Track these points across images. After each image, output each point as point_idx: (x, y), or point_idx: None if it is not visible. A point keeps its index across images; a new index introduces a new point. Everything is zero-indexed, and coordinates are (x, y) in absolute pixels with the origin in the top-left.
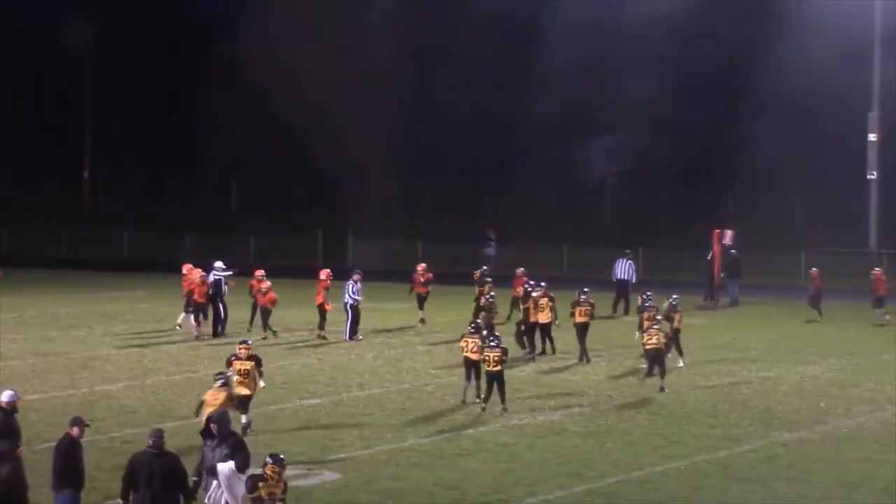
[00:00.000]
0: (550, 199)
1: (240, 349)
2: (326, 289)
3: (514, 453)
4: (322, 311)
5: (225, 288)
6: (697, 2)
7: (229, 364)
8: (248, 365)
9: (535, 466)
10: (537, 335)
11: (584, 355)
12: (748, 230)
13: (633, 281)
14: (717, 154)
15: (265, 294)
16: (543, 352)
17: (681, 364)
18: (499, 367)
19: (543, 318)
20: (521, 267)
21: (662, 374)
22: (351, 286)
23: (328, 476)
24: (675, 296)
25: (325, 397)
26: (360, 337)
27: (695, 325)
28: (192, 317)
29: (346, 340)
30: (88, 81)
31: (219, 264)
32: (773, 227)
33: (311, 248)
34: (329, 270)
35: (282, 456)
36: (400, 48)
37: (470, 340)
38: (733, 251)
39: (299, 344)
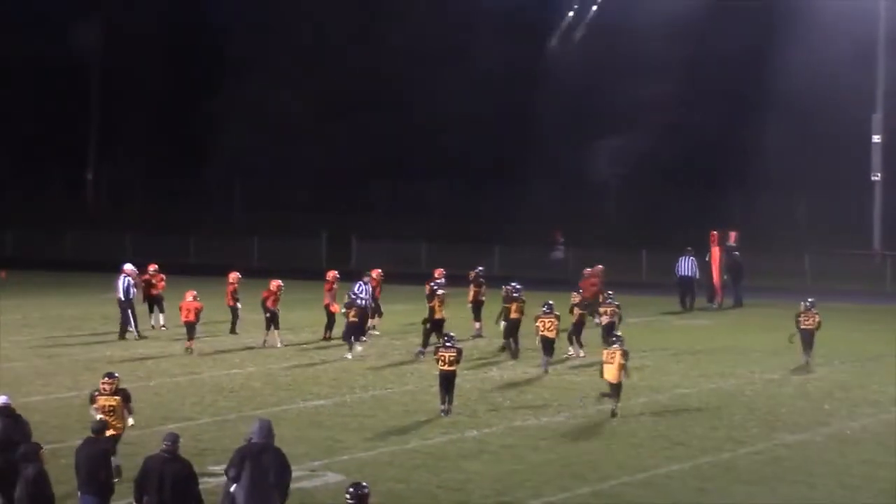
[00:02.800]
0: (556, 200)
1: (104, 383)
2: (330, 290)
3: (517, 455)
4: (329, 312)
5: (134, 291)
6: (703, 4)
7: (93, 400)
8: (114, 401)
9: (538, 468)
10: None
11: (515, 352)
12: (752, 232)
13: (697, 277)
14: (722, 156)
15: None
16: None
17: (582, 354)
18: (453, 368)
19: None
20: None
21: (810, 349)
22: (358, 287)
23: (332, 477)
24: (609, 292)
25: (328, 399)
26: (365, 339)
27: (699, 327)
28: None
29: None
30: (93, 83)
31: (129, 267)
32: (778, 229)
33: (314, 250)
34: (336, 272)
35: (364, 483)
36: (405, 49)
37: (546, 320)
38: (736, 253)
39: (303, 345)
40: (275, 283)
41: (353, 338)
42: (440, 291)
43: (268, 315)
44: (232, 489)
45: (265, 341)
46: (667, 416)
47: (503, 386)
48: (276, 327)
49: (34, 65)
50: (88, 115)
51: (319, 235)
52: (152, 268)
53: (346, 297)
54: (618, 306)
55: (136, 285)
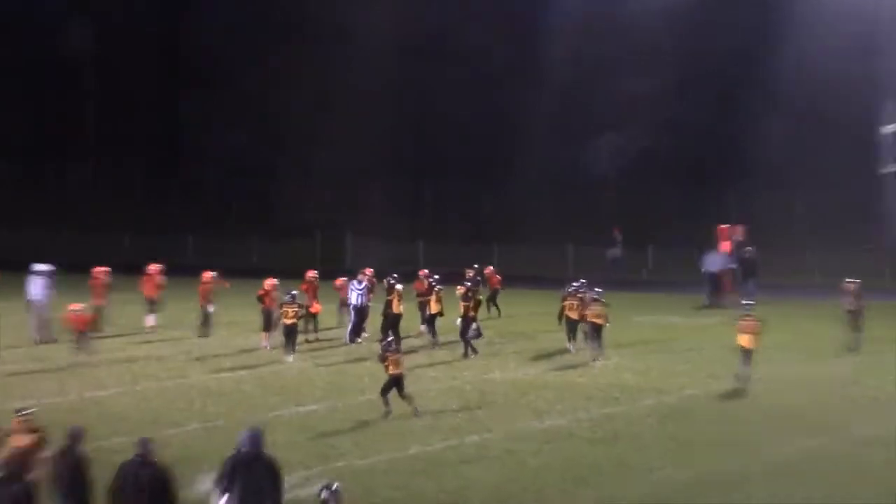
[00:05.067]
0: (553, 198)
1: (17, 421)
2: (306, 290)
3: (519, 460)
4: (308, 313)
5: (48, 292)
6: None
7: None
8: (30, 440)
9: (540, 473)
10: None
11: (467, 349)
12: (753, 228)
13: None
14: (722, 150)
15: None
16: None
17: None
18: (400, 371)
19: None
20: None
21: (860, 335)
22: (356, 285)
23: None
24: (598, 289)
25: (322, 403)
26: (360, 340)
27: (706, 326)
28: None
29: (345, 343)
30: (87, 82)
31: (42, 267)
32: (779, 225)
33: (308, 249)
34: (315, 272)
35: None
36: (400, 46)
37: (595, 308)
38: (750, 248)
39: (296, 347)
40: (269, 282)
41: (290, 341)
42: (398, 286)
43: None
44: (223, 501)
45: (267, 346)
46: (674, 419)
47: (504, 388)
48: (269, 329)
49: (28, 64)
50: (83, 114)
51: (313, 234)
52: (153, 268)
53: (283, 297)
54: (605, 305)
55: (50, 286)
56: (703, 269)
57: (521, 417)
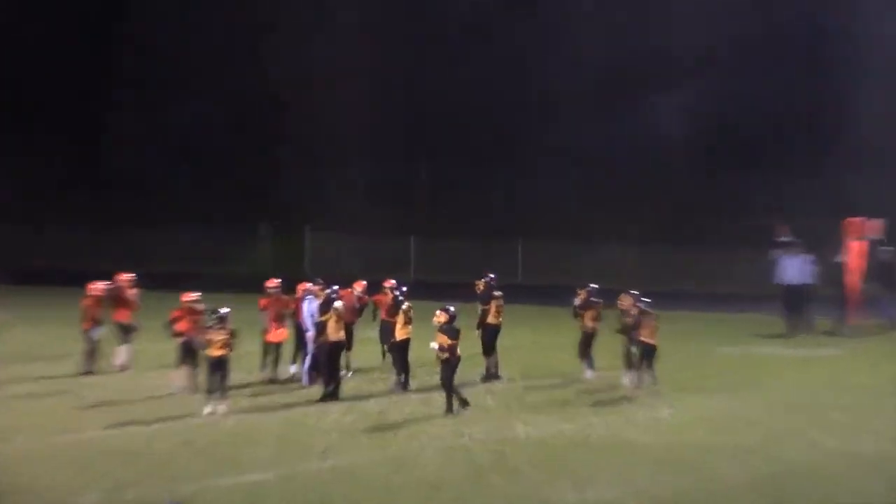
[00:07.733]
0: (584, 183)
1: None
2: (265, 308)
3: None
4: (265, 341)
5: None
6: None
7: None
8: None
9: None
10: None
11: (450, 402)
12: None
13: (812, 283)
14: (821, 115)
15: None
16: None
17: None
18: None
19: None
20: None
21: None
22: (309, 305)
23: None
24: (634, 292)
25: (270, 470)
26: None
27: (821, 359)
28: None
29: (303, 385)
30: None
31: None
32: None
33: (253, 248)
34: (278, 281)
35: None
36: None
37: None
38: (889, 248)
39: (234, 389)
40: (187, 297)
41: (220, 383)
42: (408, 306)
43: (182, 343)
44: None
45: (178, 389)
46: (770, 493)
47: (530, 448)
48: (188, 362)
49: None
50: None
51: (256, 227)
52: (125, 278)
53: (208, 317)
54: (657, 318)
55: None
56: (777, 282)
57: (554, 488)
